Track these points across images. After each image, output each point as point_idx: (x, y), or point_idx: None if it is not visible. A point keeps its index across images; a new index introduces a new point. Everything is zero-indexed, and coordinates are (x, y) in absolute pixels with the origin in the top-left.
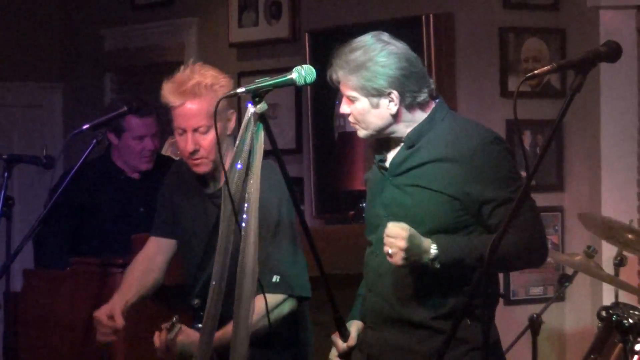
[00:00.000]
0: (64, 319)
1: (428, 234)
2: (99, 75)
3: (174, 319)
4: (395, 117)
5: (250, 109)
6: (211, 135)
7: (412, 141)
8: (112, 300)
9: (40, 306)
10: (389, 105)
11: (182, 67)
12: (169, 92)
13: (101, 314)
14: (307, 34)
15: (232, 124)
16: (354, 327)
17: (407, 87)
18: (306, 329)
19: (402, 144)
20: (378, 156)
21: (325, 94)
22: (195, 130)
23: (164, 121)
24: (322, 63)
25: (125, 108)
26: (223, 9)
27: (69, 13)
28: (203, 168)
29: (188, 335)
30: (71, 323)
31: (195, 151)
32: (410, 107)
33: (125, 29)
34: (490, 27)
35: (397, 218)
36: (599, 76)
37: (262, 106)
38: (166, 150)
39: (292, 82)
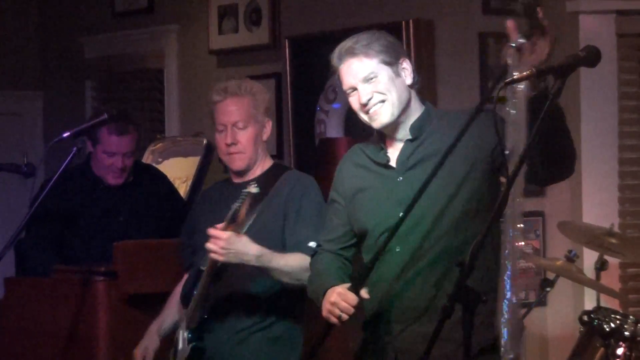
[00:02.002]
0: (46, 326)
1: (463, 214)
2: (79, 83)
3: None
4: (410, 93)
5: None
6: (249, 132)
7: (417, 132)
8: (148, 332)
9: (22, 314)
10: (405, 75)
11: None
12: (214, 92)
13: (137, 354)
14: (287, 40)
15: (267, 130)
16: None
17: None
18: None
19: (405, 140)
20: (378, 159)
21: (306, 99)
22: (233, 125)
23: (142, 137)
24: (302, 69)
25: (105, 116)
26: (203, 16)
27: (48, 21)
28: (238, 163)
29: (239, 234)
30: (53, 331)
31: (232, 144)
32: (413, 89)
33: (106, 37)
34: (470, 32)
35: (420, 210)
36: (579, 81)
37: None
38: (147, 158)
39: None
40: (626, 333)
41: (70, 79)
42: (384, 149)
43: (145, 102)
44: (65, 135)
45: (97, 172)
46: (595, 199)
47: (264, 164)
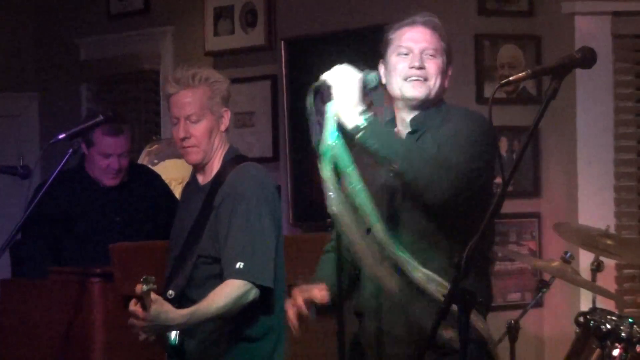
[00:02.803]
0: (42, 328)
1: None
2: (75, 84)
3: (147, 278)
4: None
5: None
6: (202, 125)
7: (417, 125)
8: None
9: (18, 316)
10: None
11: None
12: (167, 82)
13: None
14: (283, 42)
15: (225, 121)
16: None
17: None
18: (275, 316)
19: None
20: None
21: (302, 101)
22: (187, 118)
23: (136, 136)
24: (298, 70)
25: (101, 117)
26: (199, 17)
27: (44, 22)
28: (193, 157)
29: (162, 304)
30: (49, 332)
31: (185, 138)
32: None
33: (101, 38)
34: (465, 33)
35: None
36: (574, 82)
37: None
38: (143, 159)
39: None
40: (622, 334)
41: (66, 80)
42: (392, 125)
43: (141, 104)
44: (61, 136)
45: (92, 174)
46: (591, 200)
47: (219, 156)
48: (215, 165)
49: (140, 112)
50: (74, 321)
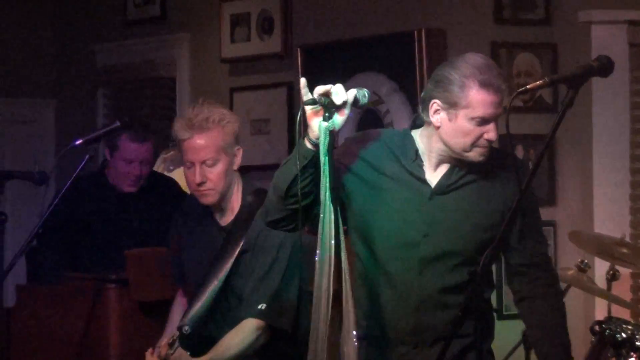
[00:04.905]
0: (58, 334)
1: (474, 252)
2: (91, 90)
3: (175, 336)
4: None
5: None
6: (218, 167)
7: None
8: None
9: (34, 321)
10: None
11: (192, 105)
12: (179, 127)
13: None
14: (299, 49)
15: (238, 159)
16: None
17: None
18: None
19: (449, 165)
20: (411, 168)
21: None
22: (202, 162)
23: (159, 145)
24: (314, 78)
25: (117, 123)
26: (215, 24)
27: (61, 29)
28: (210, 199)
29: (181, 355)
30: (65, 338)
31: (202, 183)
32: None
33: (118, 45)
34: (482, 42)
35: (438, 238)
36: (591, 91)
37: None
38: (158, 167)
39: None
40: (638, 343)
41: (82, 86)
42: (418, 159)
43: (157, 110)
44: (77, 142)
45: (112, 181)
46: (607, 209)
47: (237, 195)
48: (235, 204)
49: (156, 118)
50: (90, 327)
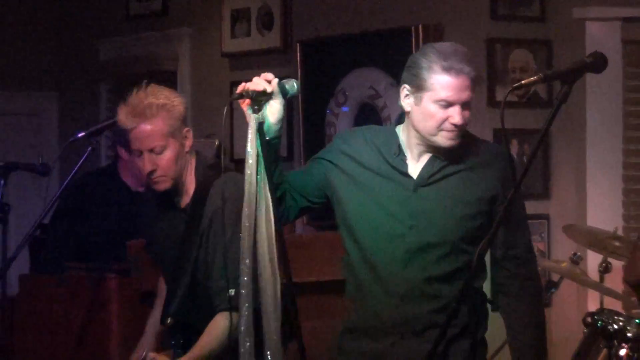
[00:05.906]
0: (60, 323)
1: (459, 241)
2: (94, 84)
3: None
4: None
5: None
6: (168, 154)
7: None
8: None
9: (36, 311)
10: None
11: (135, 90)
12: (123, 115)
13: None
14: (298, 44)
15: (188, 141)
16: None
17: None
18: None
19: (431, 155)
20: (394, 162)
21: (317, 102)
22: (151, 150)
23: None
24: (313, 72)
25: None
26: (216, 19)
27: (64, 23)
28: (162, 186)
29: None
30: (67, 327)
31: (153, 171)
32: None
33: (120, 39)
34: (478, 38)
35: (423, 229)
36: (584, 86)
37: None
38: None
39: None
40: (629, 334)
41: (85, 80)
42: (402, 154)
43: None
44: (80, 135)
45: (124, 178)
46: (600, 202)
47: (191, 175)
48: (190, 186)
49: None
50: (91, 316)
